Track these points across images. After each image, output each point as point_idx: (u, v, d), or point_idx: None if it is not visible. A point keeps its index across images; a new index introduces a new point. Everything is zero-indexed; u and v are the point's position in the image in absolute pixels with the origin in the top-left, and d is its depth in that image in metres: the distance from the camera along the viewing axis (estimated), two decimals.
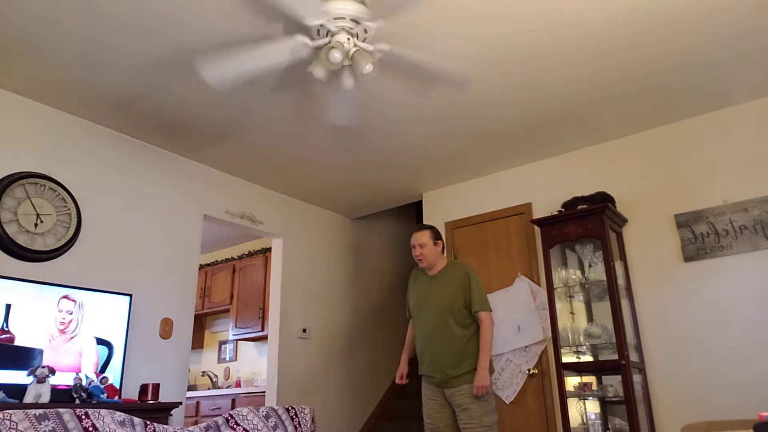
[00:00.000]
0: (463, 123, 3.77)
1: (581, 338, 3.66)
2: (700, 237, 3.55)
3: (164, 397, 3.53)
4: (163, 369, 3.75)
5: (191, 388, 6.11)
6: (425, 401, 3.31)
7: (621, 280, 3.66)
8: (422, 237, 3.34)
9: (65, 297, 3.18)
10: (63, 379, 3.00)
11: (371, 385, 5.49)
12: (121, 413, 2.25)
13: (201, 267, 6.27)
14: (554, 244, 3.80)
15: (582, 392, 3.58)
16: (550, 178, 4.30)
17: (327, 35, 2.46)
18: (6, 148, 3.23)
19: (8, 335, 2.92)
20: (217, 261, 6.51)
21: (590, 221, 3.63)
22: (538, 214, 4.20)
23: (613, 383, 3.48)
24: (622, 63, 3.14)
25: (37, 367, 2.83)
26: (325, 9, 2.36)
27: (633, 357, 3.47)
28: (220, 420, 2.61)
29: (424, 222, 4.95)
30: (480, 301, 3.22)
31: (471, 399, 3.11)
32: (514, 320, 4.07)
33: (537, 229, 4.04)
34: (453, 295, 3.26)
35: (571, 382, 3.62)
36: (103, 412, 2.19)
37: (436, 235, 3.38)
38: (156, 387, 3.34)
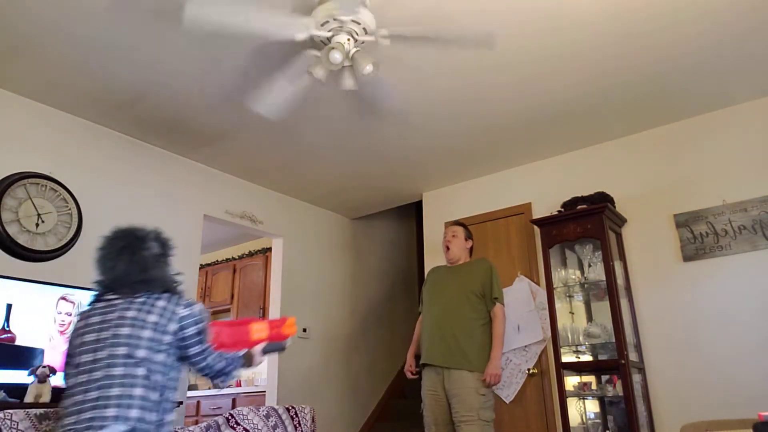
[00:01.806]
0: (462, 123, 3.78)
1: (581, 338, 3.67)
2: (700, 237, 3.56)
3: None
4: None
5: (192, 387, 6.11)
6: (425, 393, 3.32)
7: (620, 280, 3.67)
8: (456, 229, 3.65)
9: (63, 298, 3.18)
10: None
11: (371, 384, 5.50)
12: None
13: (201, 267, 6.28)
14: (554, 244, 3.80)
15: (581, 392, 3.58)
16: (550, 178, 4.31)
17: (331, 30, 2.45)
18: (7, 148, 3.24)
19: (9, 335, 2.92)
20: (217, 261, 6.51)
21: (590, 221, 3.64)
22: (537, 214, 4.20)
23: (613, 383, 3.48)
24: (622, 64, 3.14)
25: (38, 366, 2.84)
26: (356, 9, 2.34)
27: (632, 356, 3.47)
28: (220, 419, 2.62)
29: (424, 222, 4.98)
30: (499, 291, 3.37)
31: (470, 390, 3.12)
32: (514, 320, 4.07)
33: (537, 229, 4.04)
34: (471, 282, 3.39)
35: (571, 381, 3.62)
36: None
37: (469, 234, 3.66)
38: None
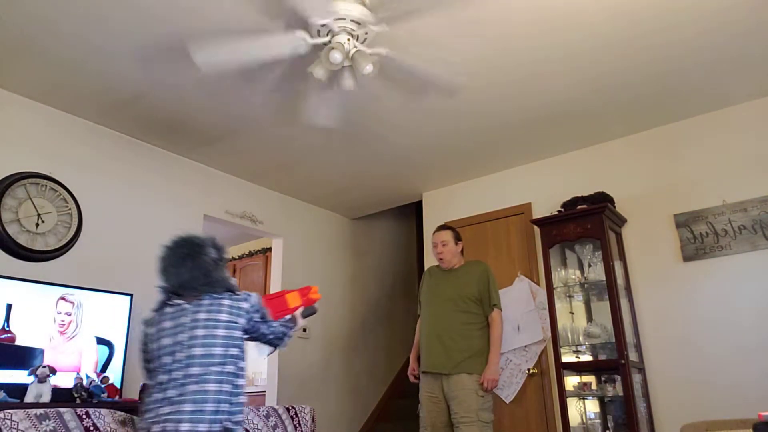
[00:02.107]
0: (463, 123, 3.78)
1: (581, 338, 3.67)
2: (699, 237, 3.56)
3: None
4: None
5: None
6: (422, 395, 3.33)
7: (620, 280, 3.67)
8: (445, 235, 3.52)
9: (62, 298, 3.18)
10: (64, 379, 3.01)
11: (371, 385, 5.50)
12: (122, 412, 2.26)
13: None
14: (554, 244, 3.80)
15: (581, 392, 3.58)
16: (550, 178, 4.31)
17: (328, 35, 2.46)
18: (7, 148, 3.24)
19: (9, 335, 2.92)
20: None
21: (590, 221, 3.64)
22: (537, 214, 4.20)
23: (613, 383, 3.48)
24: (622, 64, 3.14)
25: (38, 366, 2.84)
26: (330, 9, 2.37)
27: (632, 356, 3.47)
28: None
29: (424, 222, 4.97)
30: (497, 296, 3.36)
31: (469, 391, 3.12)
32: (514, 320, 4.07)
33: (537, 229, 4.04)
34: (467, 287, 3.38)
35: (571, 381, 3.62)
36: (103, 411, 2.20)
37: (457, 236, 3.56)
38: None
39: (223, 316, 2.06)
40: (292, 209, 5.09)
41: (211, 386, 1.94)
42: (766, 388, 3.14)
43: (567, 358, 3.64)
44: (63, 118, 3.52)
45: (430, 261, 4.74)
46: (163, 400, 1.93)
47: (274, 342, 2.29)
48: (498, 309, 3.32)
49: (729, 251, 3.45)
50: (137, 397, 3.36)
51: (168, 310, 2.09)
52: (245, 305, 2.13)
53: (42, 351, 3.02)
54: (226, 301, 2.10)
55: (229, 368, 2.01)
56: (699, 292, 3.51)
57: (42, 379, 2.80)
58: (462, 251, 3.57)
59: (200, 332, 2.00)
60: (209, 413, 1.91)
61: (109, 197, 3.69)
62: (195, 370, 1.95)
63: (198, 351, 1.98)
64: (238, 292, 2.18)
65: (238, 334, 2.08)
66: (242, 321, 2.10)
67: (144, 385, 3.33)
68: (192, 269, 2.11)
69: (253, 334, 2.18)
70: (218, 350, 2.00)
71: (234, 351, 2.05)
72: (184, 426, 1.86)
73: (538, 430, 3.88)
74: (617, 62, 3.13)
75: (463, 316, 3.30)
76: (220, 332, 2.03)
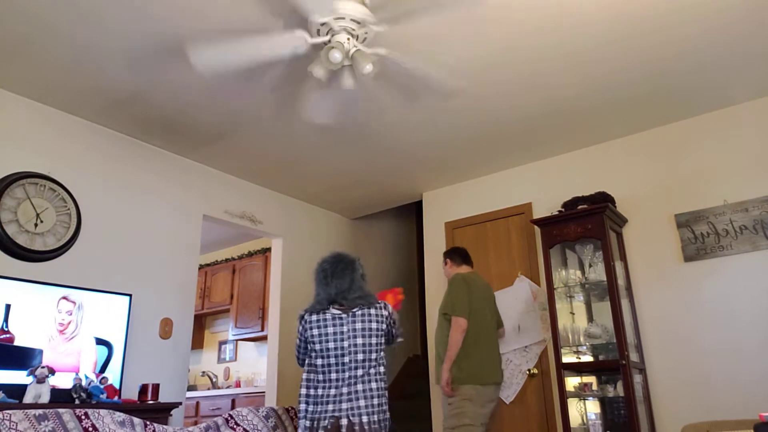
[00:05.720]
0: (463, 123, 3.77)
1: (581, 338, 3.66)
2: (700, 237, 3.55)
3: (164, 398, 3.53)
4: (163, 369, 3.75)
5: (191, 388, 6.11)
6: None
7: (621, 280, 3.66)
8: (443, 263, 3.82)
9: (64, 298, 3.18)
10: (63, 380, 3.00)
11: None
12: (121, 413, 2.25)
13: (201, 267, 6.27)
14: (554, 244, 3.79)
15: (582, 392, 3.57)
16: (550, 178, 4.30)
17: (328, 34, 2.45)
18: (6, 148, 3.23)
19: (8, 335, 2.92)
20: (217, 261, 6.51)
21: (590, 221, 3.63)
22: (538, 214, 4.20)
23: (614, 383, 3.47)
24: (622, 63, 3.13)
25: (37, 367, 2.83)
26: (332, 7, 2.36)
27: (633, 357, 3.46)
28: (219, 420, 2.61)
29: (424, 222, 4.98)
30: (446, 304, 3.46)
31: (444, 398, 3.33)
32: (514, 320, 4.07)
33: (537, 229, 4.04)
34: (443, 302, 3.55)
35: (571, 382, 3.61)
36: (102, 412, 2.19)
37: (444, 257, 3.79)
38: (156, 387, 3.34)
39: (374, 325, 2.47)
40: (292, 209, 5.08)
41: (374, 384, 2.40)
42: (766, 389, 3.14)
43: (567, 358, 3.63)
44: (62, 118, 3.51)
45: (430, 261, 4.76)
46: (339, 396, 2.36)
47: (396, 342, 2.70)
48: (455, 316, 3.36)
49: (730, 251, 3.44)
50: (136, 398, 3.36)
51: (327, 316, 2.46)
52: (385, 312, 2.55)
53: (41, 351, 3.02)
54: (372, 311, 2.50)
55: (381, 368, 2.46)
56: (700, 293, 3.51)
57: (41, 380, 2.79)
58: (457, 264, 3.69)
59: (360, 341, 2.42)
60: (377, 406, 2.38)
61: (108, 197, 3.68)
62: (360, 372, 2.40)
63: (360, 356, 2.41)
64: (378, 302, 2.57)
65: (383, 339, 2.49)
66: (385, 327, 2.52)
67: (143, 385, 3.33)
68: (351, 281, 2.54)
69: (388, 336, 2.56)
70: (374, 355, 2.45)
71: (382, 353, 2.49)
72: (364, 418, 2.32)
73: (539, 430, 3.87)
74: (617, 61, 3.12)
75: (441, 330, 3.46)
76: (374, 340, 2.46)
